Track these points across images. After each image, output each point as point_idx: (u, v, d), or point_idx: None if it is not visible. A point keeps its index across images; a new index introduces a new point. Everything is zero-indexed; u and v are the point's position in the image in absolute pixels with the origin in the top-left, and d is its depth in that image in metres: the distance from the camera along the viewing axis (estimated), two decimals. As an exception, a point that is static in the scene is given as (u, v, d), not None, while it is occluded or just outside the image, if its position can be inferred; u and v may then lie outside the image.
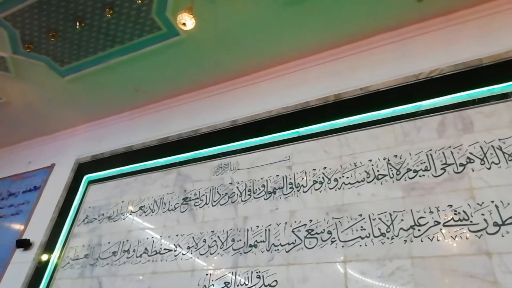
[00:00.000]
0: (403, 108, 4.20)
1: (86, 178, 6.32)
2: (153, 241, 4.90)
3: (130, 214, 5.42)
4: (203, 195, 4.96)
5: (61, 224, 5.90)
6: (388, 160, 3.95)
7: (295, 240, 3.96)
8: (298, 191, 4.29)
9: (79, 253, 5.40)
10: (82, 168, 6.53)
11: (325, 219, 3.92)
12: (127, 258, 4.94)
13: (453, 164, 3.60)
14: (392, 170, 3.86)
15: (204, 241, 4.53)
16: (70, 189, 6.33)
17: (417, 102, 4.14)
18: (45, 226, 6.00)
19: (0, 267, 6.03)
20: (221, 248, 4.37)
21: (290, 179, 4.44)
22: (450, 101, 3.97)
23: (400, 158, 3.89)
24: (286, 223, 4.13)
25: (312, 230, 3.93)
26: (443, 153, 3.71)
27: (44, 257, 5.64)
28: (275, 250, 4.00)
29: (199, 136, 5.63)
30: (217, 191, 4.88)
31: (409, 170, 3.78)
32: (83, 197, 6.12)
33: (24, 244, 5.92)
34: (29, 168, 7.37)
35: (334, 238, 3.76)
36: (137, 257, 4.87)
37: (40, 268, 5.54)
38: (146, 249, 4.88)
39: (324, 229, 3.86)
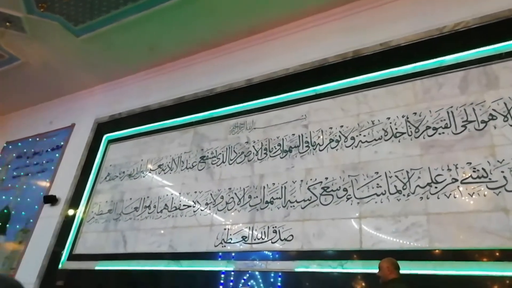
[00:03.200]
0: (425, 64, 4.06)
1: (105, 137, 6.47)
2: (173, 197, 5.07)
3: (150, 172, 5.57)
4: (220, 153, 5.03)
5: (84, 181, 6.14)
6: (407, 118, 3.88)
7: (310, 197, 4.03)
8: (314, 149, 4.31)
9: (103, 208, 5.65)
10: (101, 128, 6.67)
11: (341, 177, 3.95)
12: (149, 213, 5.14)
13: (475, 121, 3.51)
14: (410, 128, 3.81)
15: (222, 197, 4.66)
16: (91, 148, 6.51)
17: (439, 57, 3.99)
18: (70, 183, 6.26)
19: (31, 221, 6.40)
20: (238, 204, 4.49)
21: (306, 137, 4.44)
22: (474, 55, 3.81)
23: (420, 116, 3.82)
24: (302, 180, 4.19)
25: (328, 187, 3.97)
26: (464, 110, 3.61)
27: (71, 212, 5.94)
28: (291, 207, 4.09)
29: (215, 96, 5.62)
30: (234, 150, 4.94)
31: (428, 127, 3.71)
32: (104, 155, 6.30)
33: (51, 199, 6.23)
34: (51, 128, 7.57)
35: (350, 195, 3.81)
36: (158, 212, 5.07)
37: (67, 222, 5.85)
38: (166, 205, 5.06)
39: (340, 187, 3.91)
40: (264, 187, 4.41)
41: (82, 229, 5.65)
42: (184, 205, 4.90)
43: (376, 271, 2.86)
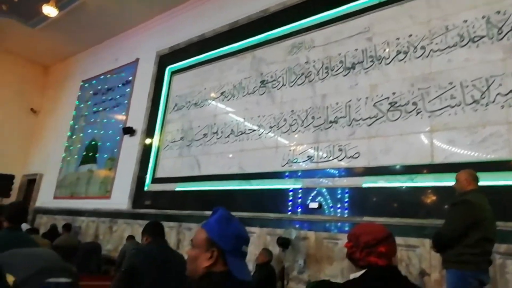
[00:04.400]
0: (514, -51, 3.44)
1: (168, 69, 6.69)
2: (238, 123, 5.26)
3: (213, 100, 5.76)
4: (280, 76, 4.98)
5: (155, 112, 6.56)
6: (488, 19, 3.44)
7: (377, 113, 3.92)
8: (379, 64, 4.07)
9: (175, 137, 6.07)
10: (163, 60, 6.88)
11: (409, 91, 3.75)
12: (217, 139, 5.43)
13: None
14: (491, 30, 3.39)
15: (285, 120, 4.72)
16: (157, 80, 6.82)
17: None
18: (143, 114, 6.75)
19: (115, 151, 7.14)
20: (301, 125, 4.54)
21: (371, 52, 4.19)
22: None
23: (504, 14, 3.36)
24: (367, 97, 4.06)
25: (396, 102, 3.82)
26: (562, 1, 3.09)
27: (147, 141, 6.49)
28: (356, 125, 4.05)
29: (269, 16, 5.39)
30: (293, 72, 4.85)
31: (514, 27, 3.28)
32: (169, 86, 6.58)
33: (129, 131, 6.82)
34: (117, 64, 7.97)
35: (420, 109, 3.64)
36: (225, 137, 5.33)
37: (146, 150, 6.44)
38: (232, 130, 5.28)
39: (408, 101, 3.73)
40: (327, 107, 4.36)
41: (160, 156, 6.20)
42: (249, 130, 5.08)
43: (449, 183, 2.81)
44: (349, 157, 4.00)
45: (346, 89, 4.26)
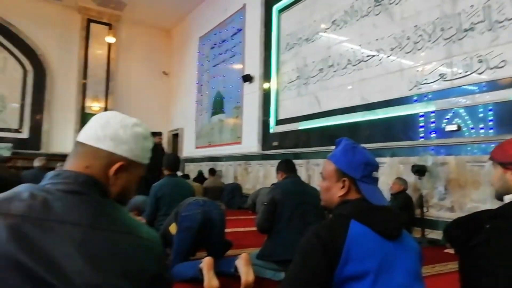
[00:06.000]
0: None
1: (276, 8, 6.57)
2: (354, 51, 4.95)
3: (325, 32, 5.49)
4: (397, -11, 4.42)
5: (269, 56, 6.63)
6: None
7: (528, 8, 3.20)
8: None
9: (291, 76, 6.09)
10: (269, 0, 6.76)
11: None
12: (334, 72, 5.25)
13: None
14: None
15: (408, 38, 4.25)
16: (266, 22, 6.80)
17: None
18: (257, 60, 6.91)
19: (239, 99, 7.61)
20: (429, 41, 4.02)
21: None
22: None
23: None
24: (513, -9, 3.32)
25: (555, -11, 3.03)
26: None
27: (266, 86, 6.69)
28: (500, 27, 3.39)
29: None
30: (414, -21, 4.23)
31: None
32: (279, 26, 6.50)
33: (248, 78, 7.12)
34: (227, 14, 8.18)
35: None
36: (342, 69, 5.11)
37: (266, 95, 6.67)
38: (349, 60, 5.01)
39: None
40: (459, 14, 3.73)
41: (279, 98, 6.36)
42: (367, 56, 4.75)
43: None
44: (492, 68, 3.42)
45: (484, -13, 3.54)
